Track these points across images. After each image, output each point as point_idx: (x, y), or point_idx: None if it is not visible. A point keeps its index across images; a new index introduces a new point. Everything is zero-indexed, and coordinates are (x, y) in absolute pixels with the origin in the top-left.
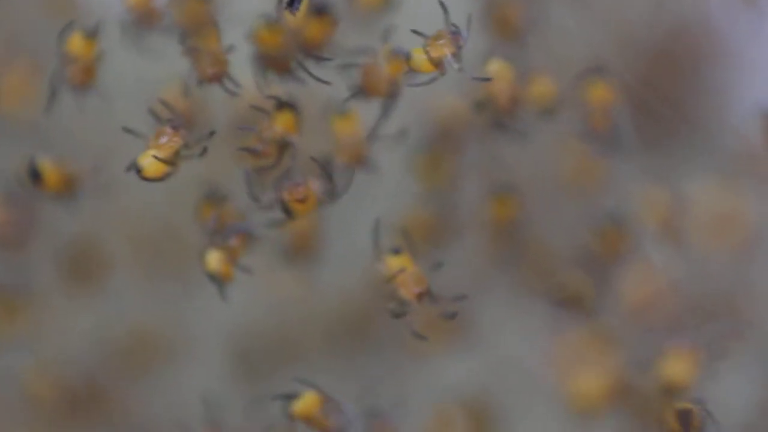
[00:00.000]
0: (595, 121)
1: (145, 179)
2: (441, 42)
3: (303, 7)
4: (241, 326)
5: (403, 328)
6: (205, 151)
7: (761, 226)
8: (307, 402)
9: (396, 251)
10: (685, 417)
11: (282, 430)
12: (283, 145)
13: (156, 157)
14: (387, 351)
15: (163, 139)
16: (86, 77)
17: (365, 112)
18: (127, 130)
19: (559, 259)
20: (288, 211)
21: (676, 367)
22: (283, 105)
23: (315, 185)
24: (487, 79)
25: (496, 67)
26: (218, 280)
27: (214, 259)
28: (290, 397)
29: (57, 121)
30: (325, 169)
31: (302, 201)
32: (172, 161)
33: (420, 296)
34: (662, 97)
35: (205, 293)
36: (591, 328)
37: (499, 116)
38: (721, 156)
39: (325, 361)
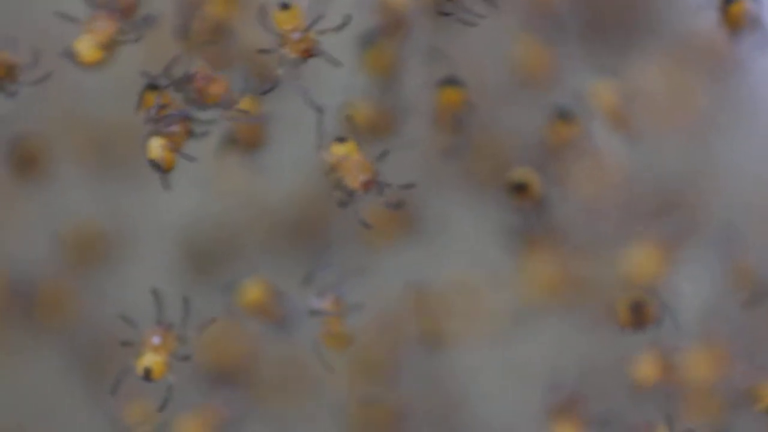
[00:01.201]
0: (539, 8)
1: (81, 65)
2: None
3: None
4: (187, 219)
5: (350, 219)
6: (140, 36)
7: (712, 110)
8: (253, 291)
9: (340, 139)
10: (637, 309)
11: (227, 323)
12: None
13: (91, 42)
14: (335, 242)
15: (99, 24)
16: None
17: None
18: (62, 16)
19: (507, 150)
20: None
21: (633, 258)
22: None
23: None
24: None
25: None
26: (160, 168)
27: (156, 146)
28: (236, 287)
29: None
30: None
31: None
32: (107, 46)
33: (365, 184)
34: None
35: (151, 186)
36: (540, 220)
37: (442, 3)
38: (670, 40)
39: (272, 252)
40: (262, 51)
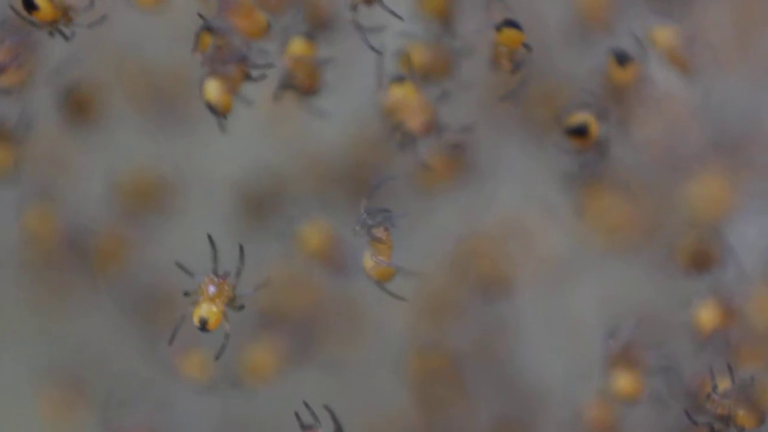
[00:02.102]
0: None
1: (137, 7)
2: None
3: None
4: (242, 165)
5: (406, 164)
6: None
7: None
8: (315, 236)
9: (399, 79)
10: (700, 252)
11: (285, 269)
12: None
13: None
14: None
15: None
16: None
17: None
18: None
19: (565, 93)
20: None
21: (695, 198)
22: None
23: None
24: None
25: None
26: (217, 111)
27: (213, 88)
28: (295, 233)
29: None
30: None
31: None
32: None
33: (425, 125)
34: None
35: (206, 132)
36: (600, 163)
37: None
38: None
39: (327, 198)
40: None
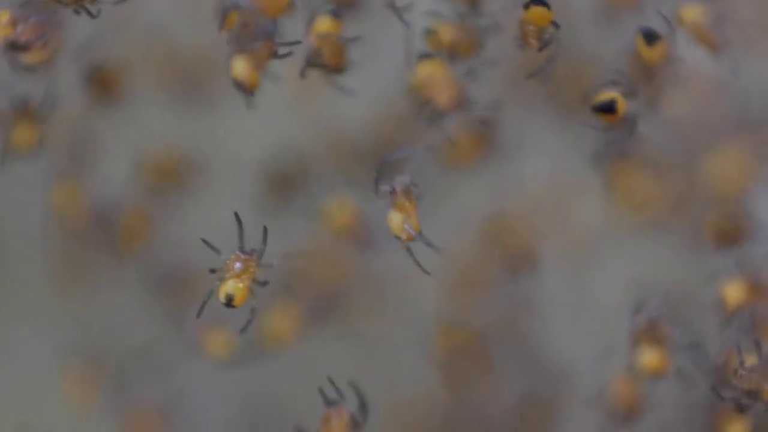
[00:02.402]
0: None
1: None
2: None
3: None
4: (267, 143)
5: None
6: None
7: None
8: (341, 213)
9: (427, 55)
10: (727, 227)
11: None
12: None
13: None
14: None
15: None
16: None
17: None
18: None
19: (592, 71)
20: None
21: (727, 173)
22: None
23: None
24: None
25: None
26: (244, 88)
27: (240, 65)
28: (322, 210)
29: None
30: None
31: None
32: None
33: (453, 101)
34: None
35: (230, 110)
36: (628, 140)
37: None
38: None
39: (353, 176)
40: None
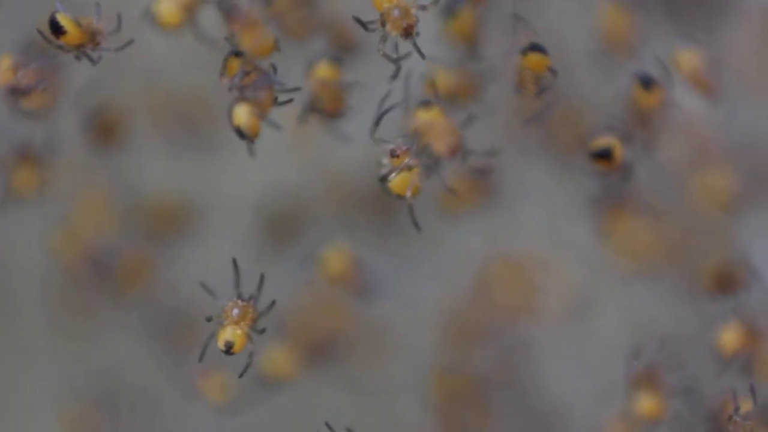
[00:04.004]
0: None
1: (161, 27)
2: None
3: None
4: (265, 189)
5: (429, 187)
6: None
7: None
8: (336, 261)
9: (426, 103)
10: (725, 275)
11: (308, 293)
12: None
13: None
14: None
15: None
16: None
17: None
18: None
19: (589, 117)
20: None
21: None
22: None
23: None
24: None
25: None
26: (246, 135)
27: (243, 113)
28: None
29: None
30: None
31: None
32: (188, 8)
33: (452, 149)
34: None
35: (229, 155)
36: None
37: None
38: (759, 6)
39: (350, 222)
40: (359, 23)
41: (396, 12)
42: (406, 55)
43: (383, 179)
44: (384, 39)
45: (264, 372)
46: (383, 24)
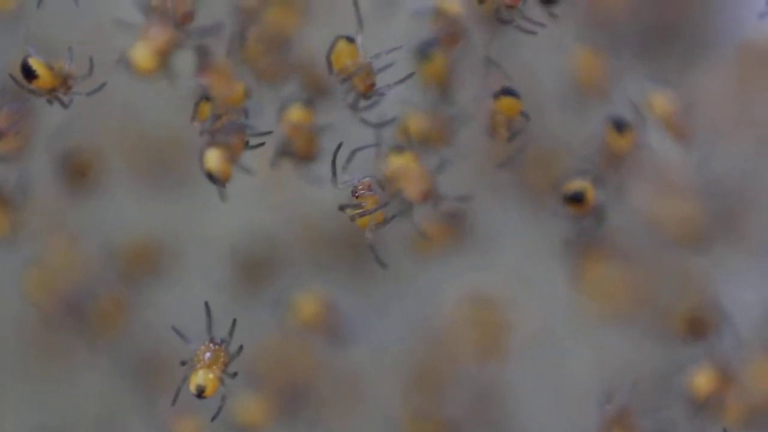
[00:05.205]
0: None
1: (136, 72)
2: None
3: None
4: (238, 232)
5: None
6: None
7: None
8: (308, 305)
9: (398, 149)
10: (696, 319)
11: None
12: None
13: (146, 50)
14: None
15: (154, 31)
16: None
17: None
18: (118, 23)
19: (562, 161)
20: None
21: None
22: None
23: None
24: None
25: None
26: (217, 180)
27: (214, 157)
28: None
29: (47, 13)
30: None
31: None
32: (162, 54)
33: (424, 194)
34: None
35: (202, 198)
36: (596, 231)
37: (501, 11)
38: (731, 49)
39: (323, 265)
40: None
41: (358, 70)
42: (389, 122)
43: (342, 208)
44: (354, 104)
45: (236, 420)
46: (347, 79)
